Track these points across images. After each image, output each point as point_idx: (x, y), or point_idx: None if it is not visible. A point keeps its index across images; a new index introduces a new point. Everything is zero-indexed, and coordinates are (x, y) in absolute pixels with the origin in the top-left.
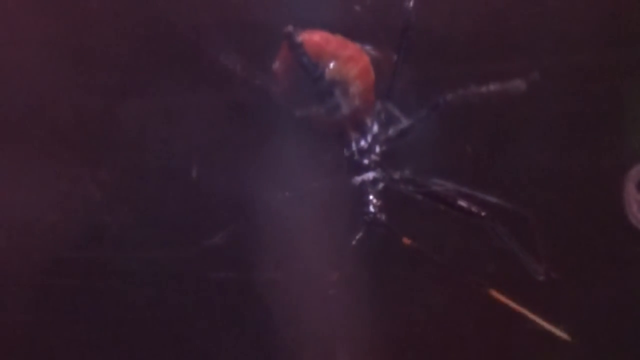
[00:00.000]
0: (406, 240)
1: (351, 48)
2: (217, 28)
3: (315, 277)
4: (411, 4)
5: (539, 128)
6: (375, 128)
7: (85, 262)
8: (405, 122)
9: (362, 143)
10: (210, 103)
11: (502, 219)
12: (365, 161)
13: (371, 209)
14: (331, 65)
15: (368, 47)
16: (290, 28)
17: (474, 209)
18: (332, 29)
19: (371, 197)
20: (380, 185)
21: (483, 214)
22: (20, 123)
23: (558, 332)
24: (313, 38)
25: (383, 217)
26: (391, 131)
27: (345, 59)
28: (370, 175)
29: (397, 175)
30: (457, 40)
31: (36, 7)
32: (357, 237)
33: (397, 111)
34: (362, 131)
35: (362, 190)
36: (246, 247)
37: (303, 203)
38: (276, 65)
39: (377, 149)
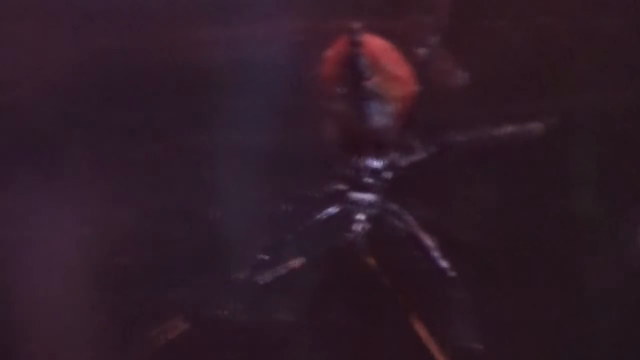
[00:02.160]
0: (370, 260)
1: (404, 69)
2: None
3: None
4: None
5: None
6: (393, 154)
7: (104, 303)
8: (418, 156)
9: (374, 164)
10: (226, 143)
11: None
12: (371, 182)
13: (356, 228)
14: (377, 76)
15: None
16: (357, 25)
17: (444, 264)
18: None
19: (361, 217)
20: (373, 211)
21: (450, 273)
22: (37, 163)
23: None
24: (373, 43)
25: (362, 241)
26: (403, 161)
27: (392, 77)
28: (369, 197)
29: (393, 208)
30: (475, 81)
31: (54, 50)
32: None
33: (417, 143)
34: (378, 152)
35: (353, 208)
36: (265, 288)
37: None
38: (328, 53)
39: (385, 175)
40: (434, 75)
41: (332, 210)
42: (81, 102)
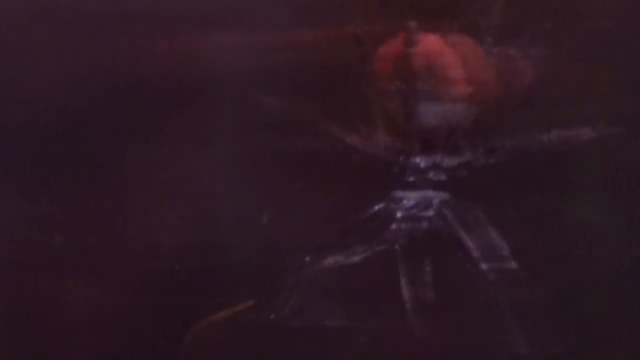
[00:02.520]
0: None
1: (459, 71)
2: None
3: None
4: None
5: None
6: (440, 154)
7: (153, 308)
8: (467, 157)
9: (420, 163)
10: (280, 151)
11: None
12: (414, 180)
13: (395, 227)
14: (430, 77)
15: None
16: (414, 24)
17: (484, 267)
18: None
19: (400, 215)
20: (414, 211)
21: (491, 276)
22: (89, 166)
23: None
24: (429, 43)
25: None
26: (450, 162)
27: (446, 79)
28: (412, 195)
29: (437, 207)
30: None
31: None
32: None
33: (465, 142)
34: (425, 152)
35: (395, 207)
36: (318, 293)
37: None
38: (382, 50)
39: (431, 175)
40: (489, 77)
41: (376, 208)
42: (138, 109)
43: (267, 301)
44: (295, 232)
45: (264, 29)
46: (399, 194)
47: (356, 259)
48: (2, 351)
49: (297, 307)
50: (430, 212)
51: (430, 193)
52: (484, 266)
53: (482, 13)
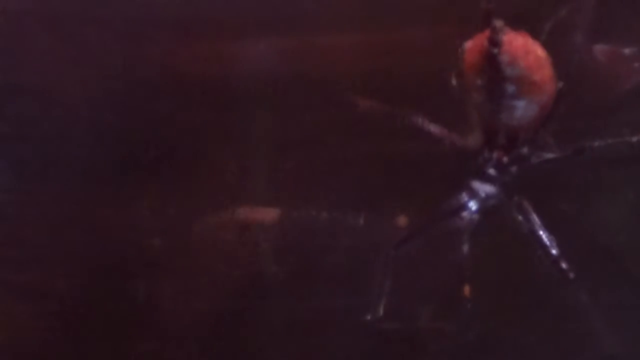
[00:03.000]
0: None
1: (543, 72)
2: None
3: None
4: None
5: None
6: (524, 150)
7: (250, 311)
8: (550, 155)
9: (502, 156)
10: (376, 153)
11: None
12: (494, 173)
13: (466, 216)
14: (514, 77)
15: None
16: (500, 23)
17: (564, 265)
18: None
19: (473, 206)
20: (490, 203)
21: (571, 274)
22: (190, 176)
23: None
24: (515, 43)
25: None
26: (534, 158)
27: (529, 80)
28: (489, 188)
29: (516, 202)
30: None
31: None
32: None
33: (550, 140)
34: (509, 146)
35: (470, 197)
36: (409, 296)
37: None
38: (467, 44)
39: (512, 169)
40: (578, 76)
41: (455, 198)
42: (229, 112)
43: (364, 302)
44: (391, 233)
45: (358, 30)
46: (477, 185)
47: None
48: (100, 356)
49: (391, 309)
50: (510, 206)
51: (509, 188)
52: (563, 265)
53: (576, 11)
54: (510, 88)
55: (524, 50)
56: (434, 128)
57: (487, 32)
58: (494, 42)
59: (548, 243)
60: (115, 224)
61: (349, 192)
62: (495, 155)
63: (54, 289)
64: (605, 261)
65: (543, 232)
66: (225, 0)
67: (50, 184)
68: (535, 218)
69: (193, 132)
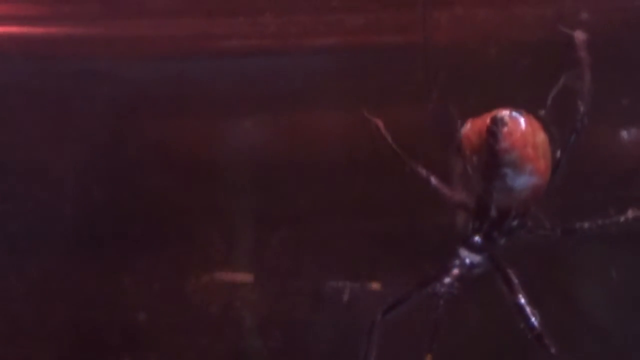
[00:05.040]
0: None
1: (541, 164)
2: None
3: None
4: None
5: None
6: (514, 223)
7: None
8: (540, 233)
9: (490, 229)
10: (361, 229)
11: None
12: (481, 243)
13: (447, 283)
14: (509, 166)
15: None
16: (504, 114)
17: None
18: None
19: (456, 273)
20: (475, 272)
21: (552, 350)
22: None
23: None
24: (515, 134)
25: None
26: (522, 233)
27: (524, 170)
28: (475, 257)
29: (503, 273)
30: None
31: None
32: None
33: (541, 215)
34: (499, 220)
35: (454, 264)
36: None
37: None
38: (468, 124)
39: (501, 242)
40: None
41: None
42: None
43: None
44: (375, 307)
45: (348, 109)
46: (464, 252)
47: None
48: None
49: None
50: (496, 275)
51: (494, 259)
52: (546, 340)
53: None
54: (505, 172)
55: (523, 142)
56: (433, 180)
57: (488, 117)
58: (492, 133)
59: (531, 317)
60: (100, 298)
61: (334, 268)
62: (485, 226)
63: None
64: (589, 337)
65: (527, 305)
66: (215, 78)
67: (37, 258)
68: (519, 289)
69: (179, 207)
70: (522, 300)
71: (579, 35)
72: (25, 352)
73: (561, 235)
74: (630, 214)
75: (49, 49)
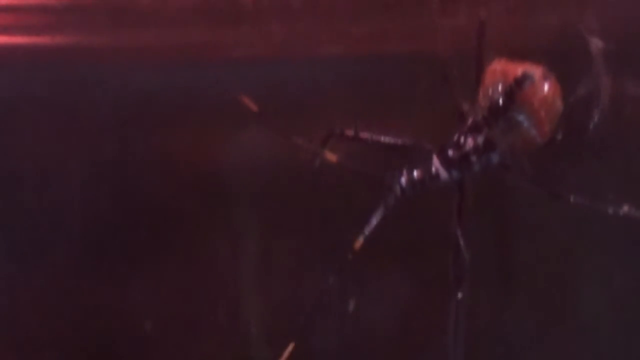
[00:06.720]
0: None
1: (544, 127)
2: None
3: None
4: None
5: None
6: (495, 157)
7: None
8: (519, 174)
9: (471, 153)
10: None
11: None
12: (456, 160)
13: (405, 179)
14: (519, 117)
15: None
16: (535, 71)
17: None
18: None
19: (419, 175)
20: (434, 184)
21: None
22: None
23: None
24: (537, 94)
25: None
26: (501, 172)
27: (530, 126)
28: (444, 173)
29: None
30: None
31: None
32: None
33: (528, 166)
34: (484, 149)
35: (422, 166)
36: None
37: None
38: (499, 61)
39: (475, 168)
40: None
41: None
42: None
43: None
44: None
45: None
46: (436, 163)
47: None
48: None
49: None
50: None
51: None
52: (460, 283)
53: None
54: (511, 116)
55: (540, 104)
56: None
57: (521, 67)
58: (518, 83)
59: (463, 252)
60: (106, 307)
61: (338, 278)
62: (466, 147)
63: None
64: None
65: (463, 240)
66: (221, 87)
67: (42, 267)
68: (465, 222)
69: (185, 216)
70: (461, 233)
71: (596, 43)
72: None
73: (547, 195)
74: (625, 208)
75: (55, 58)
